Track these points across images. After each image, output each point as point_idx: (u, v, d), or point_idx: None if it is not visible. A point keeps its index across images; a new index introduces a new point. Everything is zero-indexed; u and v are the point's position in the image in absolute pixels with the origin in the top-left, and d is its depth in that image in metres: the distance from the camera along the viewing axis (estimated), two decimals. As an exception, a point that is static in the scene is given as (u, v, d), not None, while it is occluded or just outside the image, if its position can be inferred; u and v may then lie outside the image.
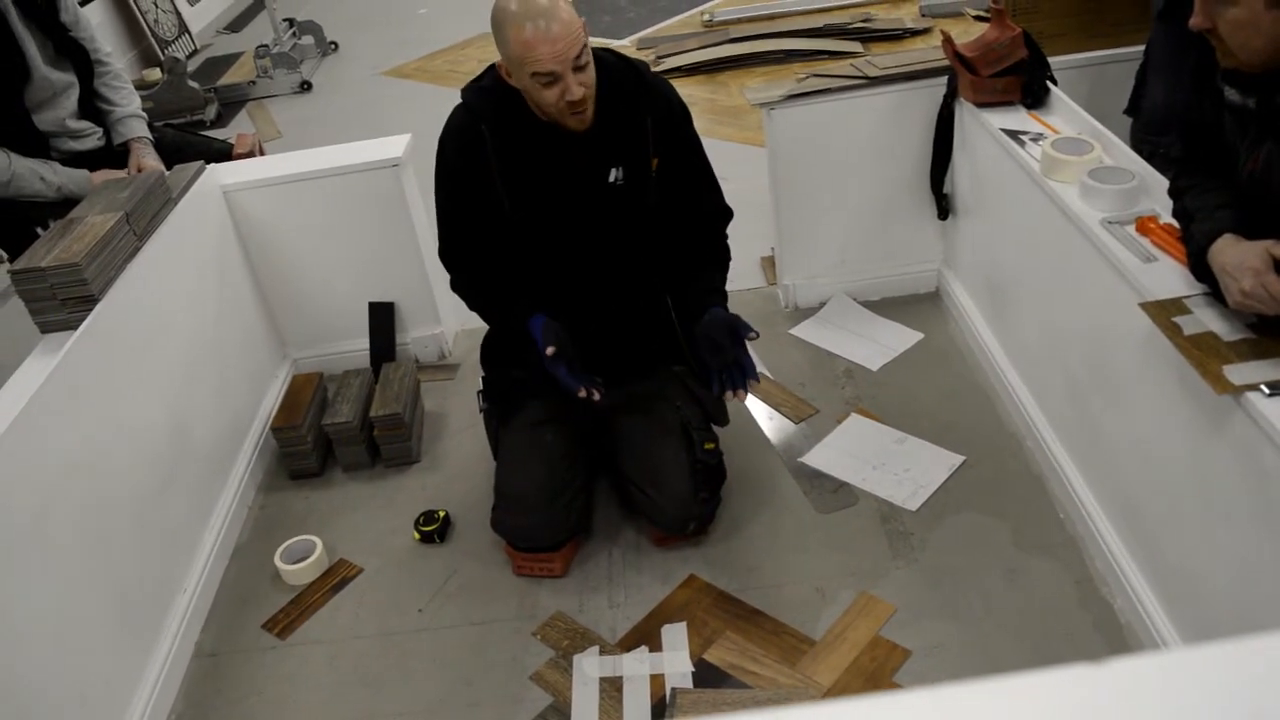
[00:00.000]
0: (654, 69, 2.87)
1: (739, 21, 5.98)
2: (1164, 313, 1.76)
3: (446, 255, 2.37)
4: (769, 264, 3.40)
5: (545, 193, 2.21)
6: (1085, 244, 2.07)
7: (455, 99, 2.24)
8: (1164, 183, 2.02)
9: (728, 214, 2.40)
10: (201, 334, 2.64)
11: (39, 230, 2.65)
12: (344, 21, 7.09)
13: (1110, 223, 2.03)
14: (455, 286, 2.41)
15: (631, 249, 2.29)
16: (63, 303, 2.16)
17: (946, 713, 0.41)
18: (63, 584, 1.94)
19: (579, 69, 2.01)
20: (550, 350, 2.17)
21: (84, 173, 2.76)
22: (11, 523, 1.82)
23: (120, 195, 2.43)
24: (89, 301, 2.18)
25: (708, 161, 2.35)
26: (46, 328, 2.18)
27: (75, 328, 2.15)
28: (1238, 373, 1.60)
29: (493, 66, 2.18)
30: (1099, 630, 2.07)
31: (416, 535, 2.51)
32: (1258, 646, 0.40)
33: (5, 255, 3.11)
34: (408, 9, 7.42)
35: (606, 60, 2.15)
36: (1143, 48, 2.63)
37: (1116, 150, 2.26)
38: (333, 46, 6.64)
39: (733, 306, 2.34)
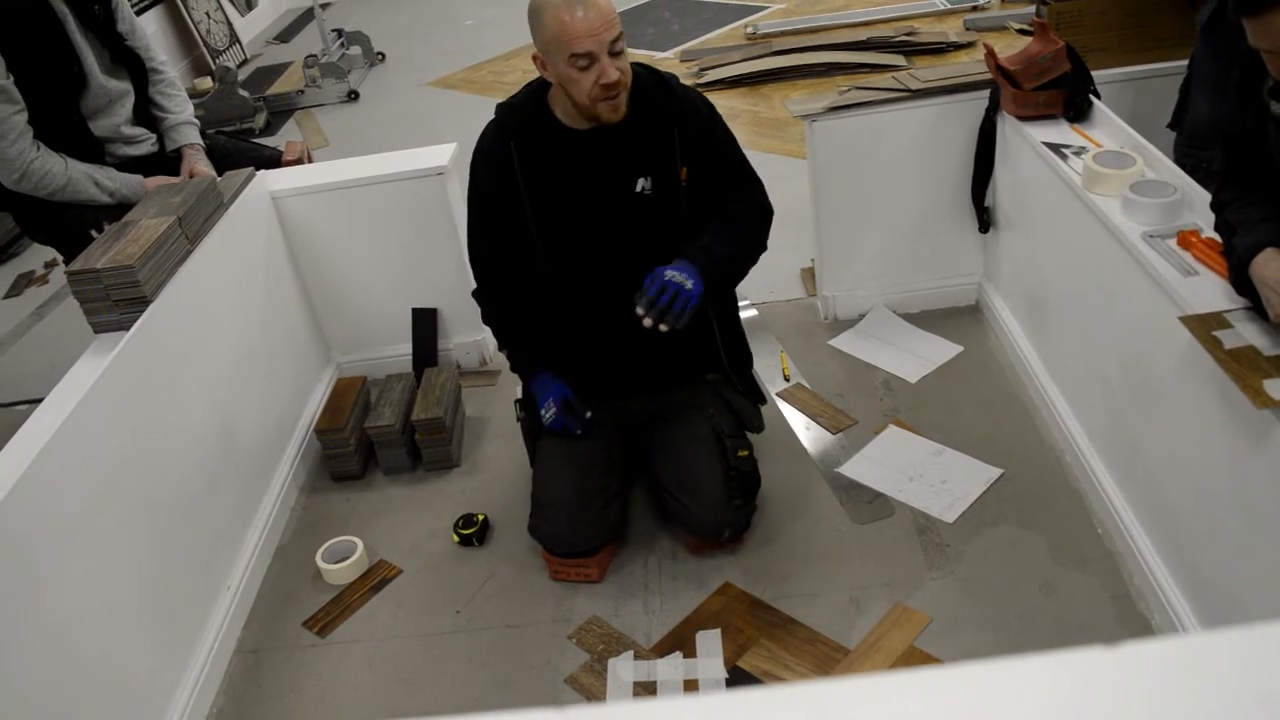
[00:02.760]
0: (698, 81, 2.90)
1: (782, 34, 6.00)
2: (1205, 327, 1.76)
3: (478, 282, 2.43)
4: (809, 275, 3.41)
5: (572, 204, 2.25)
6: (1126, 257, 2.07)
7: (500, 109, 2.29)
8: (1206, 197, 2.01)
9: (769, 211, 2.39)
10: (249, 337, 2.69)
11: (93, 233, 2.71)
12: (391, 32, 7.19)
13: (1151, 236, 2.03)
14: (485, 319, 2.49)
15: (663, 260, 2.31)
16: (116, 304, 2.22)
17: (963, 689, 0.43)
18: (111, 579, 1.99)
19: (615, 54, 2.06)
20: (547, 415, 2.36)
21: (138, 178, 2.83)
22: (62, 519, 1.87)
23: (173, 200, 2.49)
24: (141, 303, 2.23)
25: (745, 160, 2.36)
26: (99, 328, 2.23)
27: (128, 328, 2.20)
28: (1278, 387, 1.59)
29: (529, 84, 2.23)
30: (1136, 645, 2.06)
31: (455, 538, 2.54)
32: (1271, 633, 0.42)
33: (61, 257, 3.18)
34: (454, 21, 7.50)
35: (635, 72, 2.18)
36: (1186, 62, 2.62)
37: (1159, 164, 2.26)
38: (380, 57, 6.74)
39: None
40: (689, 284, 2.12)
